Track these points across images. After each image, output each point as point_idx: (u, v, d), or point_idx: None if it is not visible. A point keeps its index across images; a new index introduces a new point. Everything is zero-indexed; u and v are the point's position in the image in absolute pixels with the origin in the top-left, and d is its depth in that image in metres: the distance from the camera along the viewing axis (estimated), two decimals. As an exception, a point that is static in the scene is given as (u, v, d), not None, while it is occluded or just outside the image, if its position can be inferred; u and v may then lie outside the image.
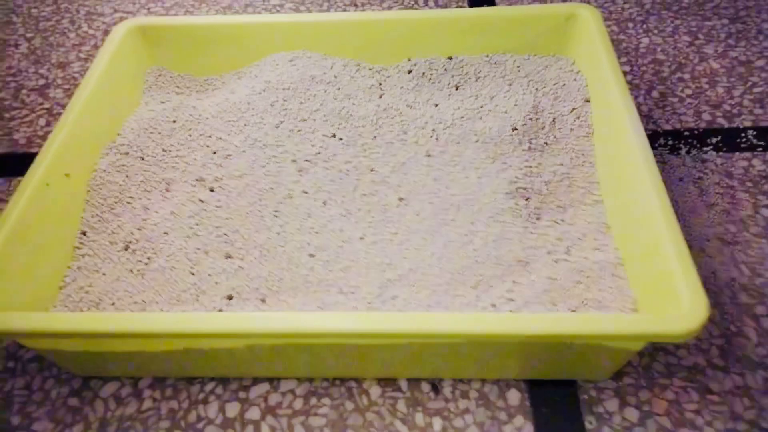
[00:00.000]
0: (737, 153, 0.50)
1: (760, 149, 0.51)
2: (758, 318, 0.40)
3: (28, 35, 0.66)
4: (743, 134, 0.52)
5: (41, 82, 0.61)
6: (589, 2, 0.66)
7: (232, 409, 0.38)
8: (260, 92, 0.49)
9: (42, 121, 0.57)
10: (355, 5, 0.68)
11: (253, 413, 0.37)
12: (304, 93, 0.50)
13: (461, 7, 0.67)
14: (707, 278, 0.42)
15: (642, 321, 0.32)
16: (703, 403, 0.37)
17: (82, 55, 0.63)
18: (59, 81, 0.61)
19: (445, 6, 0.67)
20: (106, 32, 0.66)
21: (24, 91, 0.60)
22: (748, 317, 0.40)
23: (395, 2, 0.68)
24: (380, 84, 0.52)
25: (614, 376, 0.38)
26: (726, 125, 0.53)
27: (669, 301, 0.33)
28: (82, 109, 0.44)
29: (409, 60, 0.53)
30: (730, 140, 0.52)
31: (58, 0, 0.71)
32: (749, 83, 0.56)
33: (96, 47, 0.64)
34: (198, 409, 0.38)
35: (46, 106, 0.58)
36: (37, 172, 0.39)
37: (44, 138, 0.55)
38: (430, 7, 0.67)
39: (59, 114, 0.57)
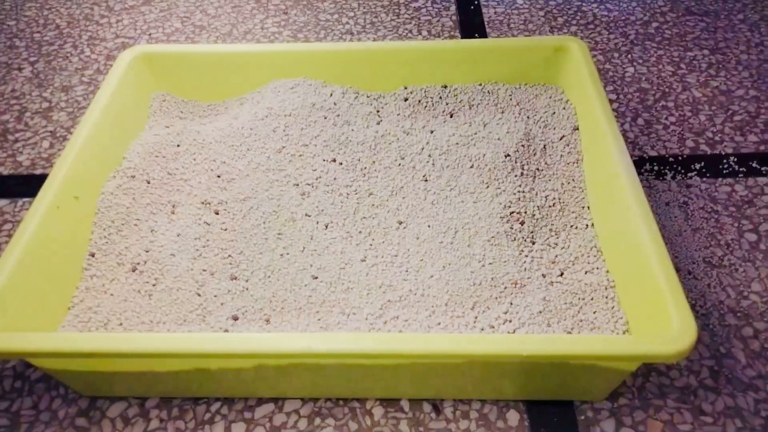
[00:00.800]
0: (720, 179, 0.53)
1: (742, 175, 0.53)
2: (746, 339, 0.42)
3: (32, 59, 0.68)
4: (725, 161, 0.54)
5: (45, 105, 0.62)
6: (575, 33, 0.69)
7: (238, 429, 0.38)
8: (262, 118, 0.51)
9: (45, 144, 0.58)
10: (351, 33, 0.70)
11: (258, 432, 0.38)
12: (305, 119, 0.51)
13: (454, 38, 0.69)
14: (696, 300, 0.44)
15: (635, 342, 0.33)
16: (697, 423, 0.38)
17: (85, 79, 0.65)
18: (62, 104, 0.62)
19: (438, 36, 0.69)
20: (109, 57, 0.67)
21: (28, 114, 0.61)
22: (737, 339, 0.42)
23: (390, 31, 0.70)
24: (378, 111, 0.54)
25: (610, 397, 0.39)
26: (709, 152, 0.55)
27: (659, 322, 0.35)
28: (90, 133, 0.45)
29: (406, 88, 0.55)
30: (713, 166, 0.54)
31: (61, 25, 0.72)
32: (730, 111, 0.59)
33: (99, 71, 0.66)
34: (204, 430, 0.38)
35: (50, 128, 0.59)
36: (48, 194, 0.40)
37: (48, 160, 0.56)
38: (424, 38, 0.69)
39: (63, 137, 0.58)
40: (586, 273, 0.42)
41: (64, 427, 0.39)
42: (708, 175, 0.53)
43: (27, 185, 0.54)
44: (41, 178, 0.52)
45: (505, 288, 0.41)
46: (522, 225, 0.45)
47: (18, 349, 0.34)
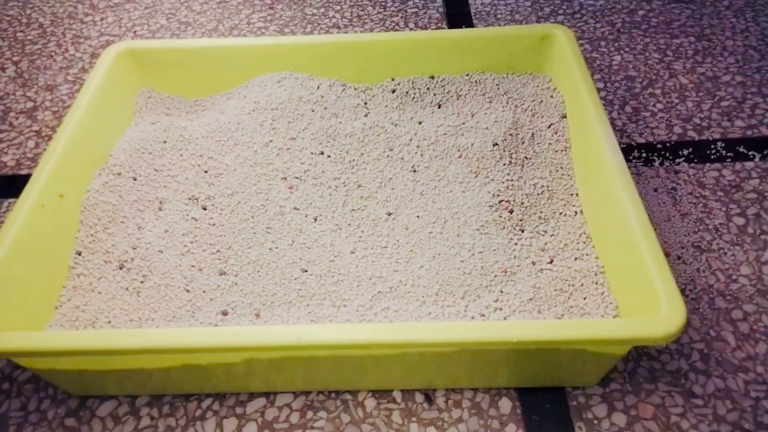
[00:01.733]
0: (708, 164, 0.53)
1: (729, 160, 0.53)
2: (735, 322, 0.42)
3: (15, 58, 0.67)
4: (713, 146, 0.54)
5: (29, 104, 0.61)
6: (562, 22, 0.69)
7: (230, 425, 0.38)
8: (249, 112, 0.51)
9: (31, 143, 0.57)
10: (338, 27, 0.69)
11: (251, 428, 0.38)
12: (292, 112, 0.51)
13: (441, 28, 0.69)
14: (685, 285, 0.44)
15: (624, 326, 0.33)
16: (688, 406, 0.38)
17: (69, 78, 0.64)
18: (47, 103, 0.61)
19: (425, 28, 0.69)
20: (93, 55, 0.67)
21: (12, 114, 0.60)
22: (726, 322, 0.42)
23: (377, 24, 0.70)
24: (365, 103, 0.53)
25: (601, 382, 0.39)
26: (696, 138, 0.55)
27: (648, 306, 0.35)
28: (75, 131, 0.44)
29: (393, 80, 0.55)
30: (701, 152, 0.54)
31: (44, 24, 0.72)
32: (717, 97, 0.59)
33: (83, 70, 0.65)
34: (196, 426, 0.38)
35: (35, 128, 0.59)
36: (32, 192, 0.40)
37: (33, 160, 0.55)
38: (411, 29, 0.69)
39: (48, 136, 0.58)
40: (575, 260, 0.42)
41: (54, 427, 0.38)
42: (696, 160, 0.53)
43: (12, 186, 0.53)
44: (27, 179, 0.52)
45: (495, 276, 0.41)
46: (511, 213, 0.45)
47: (5, 348, 0.34)
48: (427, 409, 0.39)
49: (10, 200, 0.52)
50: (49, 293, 0.40)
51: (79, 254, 0.42)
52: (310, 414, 0.38)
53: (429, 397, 0.39)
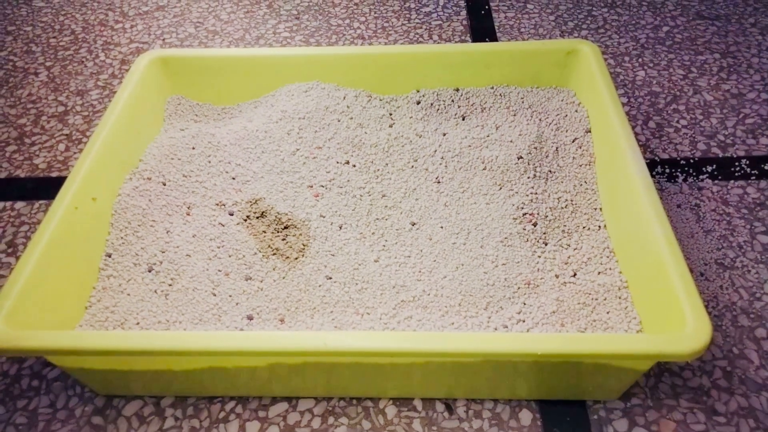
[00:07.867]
0: (732, 181, 0.53)
1: (754, 178, 0.53)
2: (759, 341, 0.42)
3: (48, 64, 0.68)
4: (737, 163, 0.54)
5: (60, 109, 0.63)
6: (585, 37, 0.69)
7: (252, 428, 0.39)
8: (277, 121, 0.51)
9: (61, 147, 0.58)
10: (363, 38, 0.70)
11: None
12: (318, 122, 0.52)
13: (464, 41, 0.69)
14: (708, 301, 0.44)
15: (650, 341, 0.33)
16: (710, 424, 0.38)
17: (100, 83, 0.65)
18: (78, 108, 0.63)
19: (449, 40, 0.69)
20: (123, 61, 0.68)
21: (44, 118, 0.62)
22: (750, 340, 0.42)
23: (401, 36, 0.70)
24: (391, 114, 0.54)
25: (622, 397, 0.39)
26: (720, 154, 0.55)
27: (673, 322, 0.35)
28: (108, 136, 0.45)
29: (418, 91, 0.55)
30: (725, 169, 0.54)
31: (76, 30, 0.73)
32: (741, 114, 0.59)
33: (113, 76, 0.66)
34: (219, 428, 0.39)
35: (66, 132, 0.60)
36: (66, 195, 0.41)
37: (64, 163, 0.57)
38: (435, 41, 0.69)
39: (78, 140, 0.59)
40: (599, 273, 0.42)
41: (81, 425, 0.39)
42: (720, 177, 0.53)
43: (43, 188, 0.54)
44: (57, 181, 0.53)
45: (518, 288, 0.41)
46: (534, 226, 0.45)
47: (39, 346, 0.34)
48: (447, 419, 0.39)
49: (41, 201, 0.53)
50: (79, 294, 0.41)
51: (110, 256, 0.43)
52: (331, 419, 0.39)
53: (450, 407, 0.39)
